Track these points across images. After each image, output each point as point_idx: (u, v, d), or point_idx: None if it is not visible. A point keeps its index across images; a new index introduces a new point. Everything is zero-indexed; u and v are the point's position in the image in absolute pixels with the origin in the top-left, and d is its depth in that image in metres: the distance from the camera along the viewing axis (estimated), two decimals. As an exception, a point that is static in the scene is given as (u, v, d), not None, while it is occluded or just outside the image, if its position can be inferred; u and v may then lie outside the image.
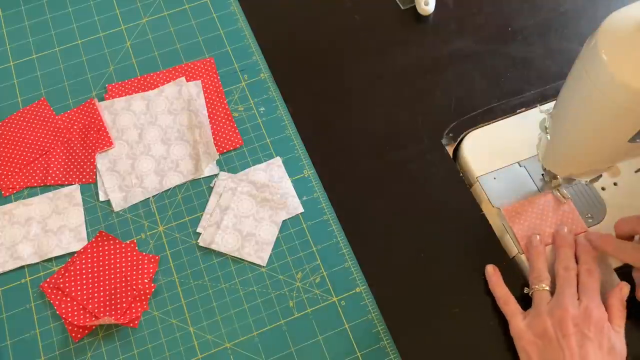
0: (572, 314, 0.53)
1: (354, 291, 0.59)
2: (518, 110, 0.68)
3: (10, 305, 0.59)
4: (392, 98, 0.69)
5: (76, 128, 0.67)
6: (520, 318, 0.55)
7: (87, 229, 0.62)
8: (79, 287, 0.59)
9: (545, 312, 0.54)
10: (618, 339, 0.53)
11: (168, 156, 0.66)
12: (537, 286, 0.56)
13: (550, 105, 0.56)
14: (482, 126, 0.67)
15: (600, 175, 0.58)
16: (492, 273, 0.59)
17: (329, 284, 0.59)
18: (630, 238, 0.58)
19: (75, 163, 0.65)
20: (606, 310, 0.54)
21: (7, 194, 0.64)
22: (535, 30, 0.73)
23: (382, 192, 0.64)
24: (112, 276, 0.60)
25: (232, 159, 0.66)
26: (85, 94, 0.69)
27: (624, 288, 0.56)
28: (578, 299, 0.54)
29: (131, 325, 0.58)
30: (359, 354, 0.57)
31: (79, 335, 0.57)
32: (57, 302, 0.58)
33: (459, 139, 0.67)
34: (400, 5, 0.75)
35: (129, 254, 0.61)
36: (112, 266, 0.60)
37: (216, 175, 0.65)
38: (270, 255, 0.61)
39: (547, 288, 0.56)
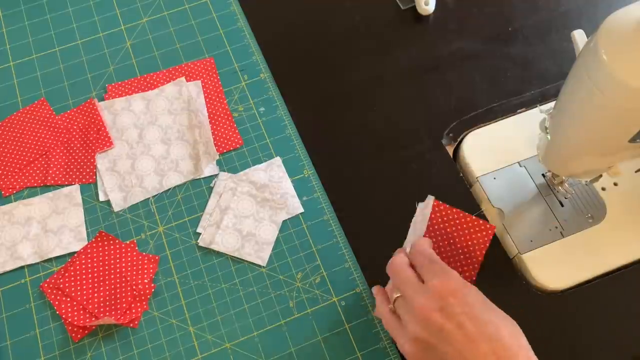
0: (426, 305, 0.47)
1: (354, 291, 0.59)
2: (518, 110, 0.68)
3: (10, 305, 0.59)
4: (392, 98, 0.69)
5: (76, 128, 0.67)
6: (403, 339, 0.48)
7: (87, 229, 0.62)
8: (79, 287, 0.59)
9: (409, 322, 0.48)
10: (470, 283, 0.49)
11: (168, 156, 0.66)
12: (394, 294, 0.50)
13: (550, 105, 0.56)
14: (482, 126, 0.67)
15: (600, 175, 0.58)
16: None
17: (329, 284, 0.59)
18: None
19: (75, 163, 0.65)
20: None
21: (7, 194, 0.64)
22: (535, 30, 0.73)
23: (382, 192, 0.64)
24: (112, 276, 0.60)
25: (232, 159, 0.66)
26: (85, 94, 0.70)
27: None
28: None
29: (131, 325, 0.58)
30: (358, 354, 0.57)
31: (79, 335, 0.57)
32: (57, 302, 0.58)
33: (459, 139, 0.67)
34: (400, 5, 0.75)
35: (129, 254, 0.61)
36: (112, 266, 0.60)
37: (216, 175, 0.65)
38: (270, 255, 0.61)
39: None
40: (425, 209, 0.56)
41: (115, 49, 0.72)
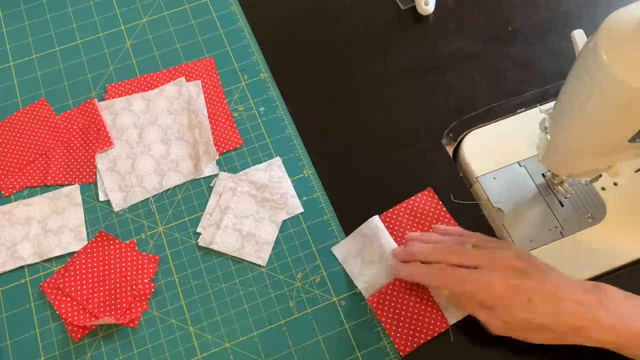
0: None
1: (354, 291, 0.59)
2: (518, 110, 0.68)
3: (10, 305, 0.59)
4: (392, 98, 0.69)
5: (76, 128, 0.67)
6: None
7: (87, 229, 0.62)
8: (79, 287, 0.59)
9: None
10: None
11: (168, 156, 0.66)
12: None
13: (550, 105, 0.56)
14: (482, 126, 0.67)
15: (600, 175, 0.58)
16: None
17: (329, 284, 0.59)
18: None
19: (75, 163, 0.65)
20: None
21: (7, 194, 0.64)
22: (535, 30, 0.73)
23: (382, 192, 0.64)
24: (112, 276, 0.60)
25: (232, 159, 0.66)
26: (85, 94, 0.70)
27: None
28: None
29: (131, 325, 0.58)
30: (358, 354, 0.57)
31: (79, 335, 0.57)
32: (57, 302, 0.58)
33: (459, 139, 0.67)
34: (400, 5, 0.75)
35: (129, 254, 0.61)
36: (112, 266, 0.60)
37: (216, 175, 0.65)
38: (270, 255, 0.61)
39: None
40: (371, 231, 0.60)
41: (115, 49, 0.72)
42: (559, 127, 0.52)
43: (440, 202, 0.62)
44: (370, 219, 0.61)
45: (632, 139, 0.46)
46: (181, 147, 0.66)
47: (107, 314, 0.58)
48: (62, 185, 0.64)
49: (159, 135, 0.67)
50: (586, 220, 0.61)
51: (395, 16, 0.74)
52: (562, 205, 0.62)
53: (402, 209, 0.62)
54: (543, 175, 0.64)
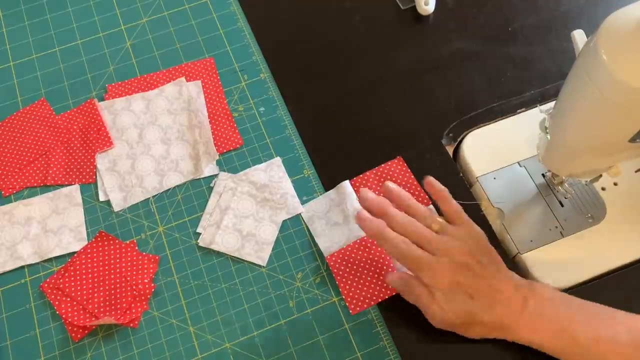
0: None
1: (354, 291, 0.59)
2: (518, 110, 0.68)
3: (10, 305, 0.59)
4: (392, 98, 0.69)
5: (76, 128, 0.67)
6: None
7: (87, 229, 0.62)
8: (79, 287, 0.59)
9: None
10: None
11: (168, 156, 0.66)
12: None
13: (550, 105, 0.56)
14: (482, 126, 0.67)
15: (600, 175, 0.58)
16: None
17: (329, 284, 0.59)
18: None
19: (75, 163, 0.65)
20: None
21: (7, 194, 0.64)
22: (535, 30, 0.73)
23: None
24: (112, 276, 0.60)
25: (232, 159, 0.66)
26: (85, 94, 0.70)
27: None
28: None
29: (131, 325, 0.58)
30: (358, 354, 0.57)
31: (79, 335, 0.57)
32: (57, 302, 0.58)
33: (459, 139, 0.67)
34: (400, 5, 0.75)
35: (129, 254, 0.61)
36: (112, 266, 0.60)
37: (216, 175, 0.65)
38: (270, 255, 0.61)
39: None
40: (339, 195, 0.62)
41: (115, 49, 0.72)
42: (559, 127, 0.52)
43: (409, 171, 0.63)
44: (340, 184, 0.63)
45: (632, 139, 0.46)
46: (181, 147, 0.66)
47: (107, 314, 0.58)
48: (62, 185, 0.64)
49: (159, 135, 0.67)
50: (586, 220, 0.61)
51: (395, 16, 0.74)
52: (562, 205, 0.62)
53: (372, 176, 0.64)
54: (543, 175, 0.64)
